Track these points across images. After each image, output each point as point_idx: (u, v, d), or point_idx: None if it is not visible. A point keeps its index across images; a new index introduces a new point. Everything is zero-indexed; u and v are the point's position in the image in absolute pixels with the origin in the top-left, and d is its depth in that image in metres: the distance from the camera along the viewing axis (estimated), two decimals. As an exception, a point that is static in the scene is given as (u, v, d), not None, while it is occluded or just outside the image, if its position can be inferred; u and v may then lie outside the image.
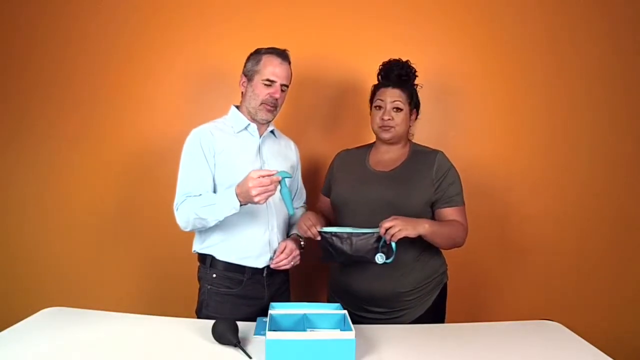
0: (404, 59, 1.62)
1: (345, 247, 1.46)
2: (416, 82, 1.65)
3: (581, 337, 1.39)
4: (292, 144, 1.80)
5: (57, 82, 2.20)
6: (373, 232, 1.44)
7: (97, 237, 2.25)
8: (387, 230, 1.38)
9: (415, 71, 1.62)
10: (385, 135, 1.60)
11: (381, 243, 1.44)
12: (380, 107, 1.59)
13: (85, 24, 2.18)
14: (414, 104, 1.62)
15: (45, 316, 1.48)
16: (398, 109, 1.57)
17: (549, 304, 2.19)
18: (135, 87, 2.19)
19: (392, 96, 1.57)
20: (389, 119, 1.57)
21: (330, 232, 1.48)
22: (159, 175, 2.17)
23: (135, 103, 2.20)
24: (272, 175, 1.37)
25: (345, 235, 1.46)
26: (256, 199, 1.37)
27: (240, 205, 1.43)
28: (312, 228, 1.49)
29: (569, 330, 1.45)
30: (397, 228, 1.37)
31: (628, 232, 2.20)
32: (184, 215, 1.51)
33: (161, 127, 2.19)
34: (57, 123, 2.21)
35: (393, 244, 1.41)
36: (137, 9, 2.16)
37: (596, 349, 1.30)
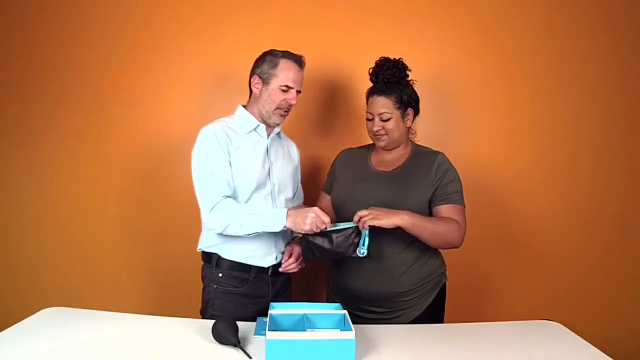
0: (395, 57, 1.59)
1: (326, 245, 1.45)
2: (410, 77, 1.62)
3: (581, 337, 1.39)
4: (294, 146, 1.81)
5: (57, 82, 2.20)
6: (350, 227, 1.44)
7: (97, 237, 2.25)
8: (360, 218, 1.39)
9: (406, 68, 1.59)
10: (380, 144, 1.61)
11: (362, 237, 1.43)
12: (370, 118, 1.60)
13: (86, 24, 2.18)
14: (407, 104, 1.59)
15: (45, 316, 1.48)
16: (386, 119, 1.57)
17: (549, 304, 2.19)
18: (135, 86, 2.19)
19: (379, 106, 1.57)
20: (379, 130, 1.58)
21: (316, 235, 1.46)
22: (159, 174, 2.17)
23: (136, 102, 2.20)
24: (327, 223, 1.42)
25: (326, 234, 1.45)
26: (307, 228, 1.41)
27: (284, 224, 1.44)
28: None
29: (569, 330, 1.45)
30: (371, 216, 1.37)
31: (628, 232, 2.20)
32: (223, 218, 1.45)
33: (162, 126, 2.18)
34: (57, 122, 2.21)
35: (367, 235, 1.40)
36: (138, 8, 2.16)
37: (596, 349, 1.30)
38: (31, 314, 1.48)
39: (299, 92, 1.61)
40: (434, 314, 1.59)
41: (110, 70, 2.18)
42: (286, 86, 1.56)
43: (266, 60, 1.59)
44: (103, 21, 2.18)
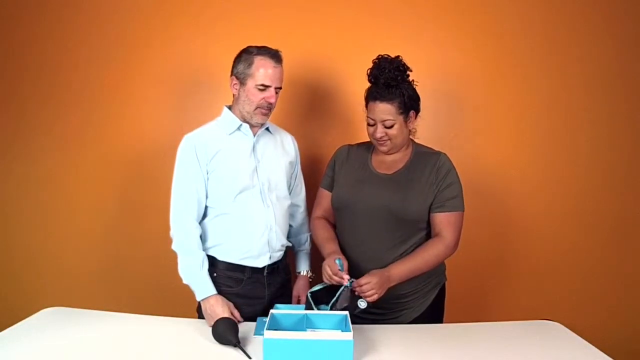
0: (395, 55, 1.53)
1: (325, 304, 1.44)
2: (411, 78, 1.56)
3: (581, 337, 1.39)
4: (289, 138, 1.77)
5: (56, 82, 2.20)
6: (343, 288, 1.41)
7: (97, 236, 2.25)
8: (361, 285, 1.38)
9: (407, 68, 1.53)
10: (383, 149, 1.57)
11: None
12: (371, 123, 1.55)
13: (85, 24, 2.17)
14: (409, 108, 1.54)
15: (45, 316, 1.48)
16: (390, 126, 1.52)
17: (549, 304, 2.19)
18: (135, 86, 2.18)
19: (381, 113, 1.51)
20: (382, 136, 1.53)
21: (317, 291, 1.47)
22: (159, 174, 2.16)
23: (136, 102, 2.19)
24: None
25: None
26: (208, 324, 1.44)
27: (201, 299, 1.50)
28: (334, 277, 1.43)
29: (569, 330, 1.45)
30: (372, 293, 1.37)
31: (628, 232, 2.19)
32: (178, 249, 1.54)
33: (162, 126, 2.18)
34: (57, 122, 2.21)
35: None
36: (137, 8, 2.16)
37: (596, 349, 1.30)
38: (31, 314, 1.48)
39: (279, 88, 1.57)
40: (433, 314, 1.59)
41: (111, 70, 2.18)
42: (263, 85, 1.52)
43: (241, 59, 1.55)
44: (103, 22, 2.17)
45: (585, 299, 2.21)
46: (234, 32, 2.10)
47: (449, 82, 2.15)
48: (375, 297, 1.38)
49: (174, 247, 1.54)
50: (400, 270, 1.45)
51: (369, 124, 1.56)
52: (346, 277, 1.40)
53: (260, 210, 1.58)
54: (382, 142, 1.54)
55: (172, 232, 1.55)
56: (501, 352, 1.30)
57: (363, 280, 1.39)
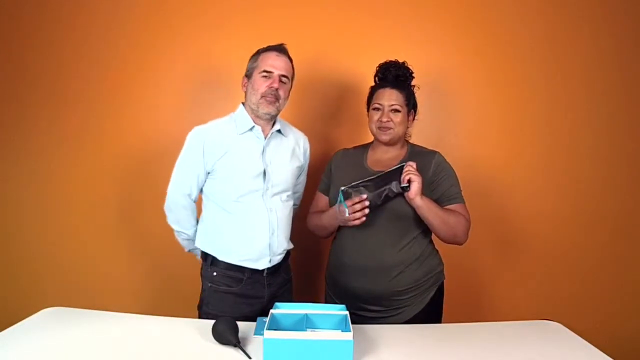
0: (401, 60, 1.62)
1: (370, 194, 1.46)
2: (413, 83, 1.65)
3: (581, 337, 1.39)
4: (301, 139, 1.76)
5: (57, 82, 2.20)
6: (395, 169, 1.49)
7: (97, 236, 2.25)
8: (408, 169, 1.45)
9: (412, 72, 1.63)
10: (384, 138, 1.59)
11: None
12: (378, 108, 1.59)
13: (86, 23, 2.18)
14: (412, 105, 1.62)
15: (45, 316, 1.48)
16: (396, 111, 1.58)
17: (549, 304, 2.19)
18: (136, 86, 2.19)
19: (390, 98, 1.58)
20: (388, 121, 1.57)
21: (353, 186, 1.48)
22: (159, 174, 2.14)
23: (136, 102, 2.20)
24: None
25: (369, 184, 1.48)
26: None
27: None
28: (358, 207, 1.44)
29: (569, 330, 1.45)
30: (416, 179, 1.43)
31: (628, 232, 2.19)
32: (171, 221, 1.67)
33: (162, 126, 2.19)
34: (57, 122, 2.21)
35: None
36: (138, 8, 2.16)
37: (596, 349, 1.30)
38: (31, 314, 1.48)
39: (285, 77, 1.58)
40: (432, 311, 1.59)
41: (111, 69, 2.18)
42: (265, 71, 1.55)
43: (250, 59, 1.62)
44: (104, 20, 2.17)
45: (585, 299, 2.21)
46: (236, 32, 2.11)
47: (449, 82, 2.15)
48: (415, 177, 1.42)
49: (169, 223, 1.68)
50: (429, 199, 1.48)
51: (375, 109, 1.61)
52: (363, 196, 1.44)
53: (263, 213, 1.58)
54: (386, 128, 1.58)
55: (167, 210, 1.66)
56: (501, 352, 1.30)
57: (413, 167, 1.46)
